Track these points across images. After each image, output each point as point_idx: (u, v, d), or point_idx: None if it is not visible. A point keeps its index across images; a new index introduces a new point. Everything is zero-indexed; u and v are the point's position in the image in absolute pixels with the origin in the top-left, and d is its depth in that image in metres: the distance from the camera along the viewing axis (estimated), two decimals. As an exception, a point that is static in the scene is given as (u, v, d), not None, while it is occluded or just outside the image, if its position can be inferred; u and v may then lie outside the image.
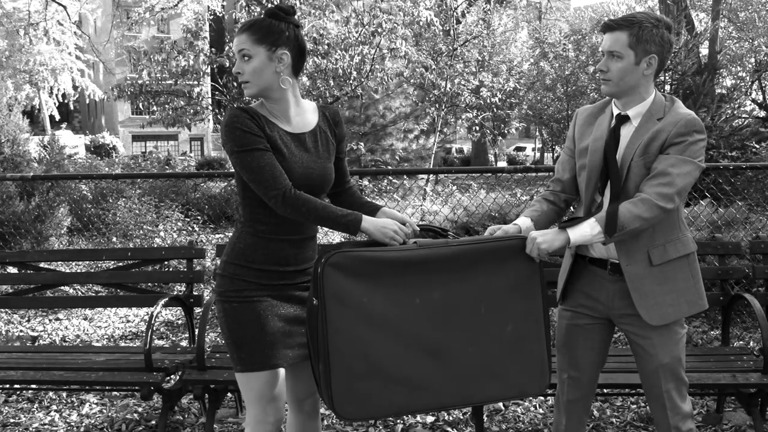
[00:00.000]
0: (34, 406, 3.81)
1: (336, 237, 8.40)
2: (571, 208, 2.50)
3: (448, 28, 14.71)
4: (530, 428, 3.43)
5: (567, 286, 2.35)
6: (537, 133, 31.88)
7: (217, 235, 9.62)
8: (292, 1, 8.59)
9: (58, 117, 27.09)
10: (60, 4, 15.53)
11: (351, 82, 8.99)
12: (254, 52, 2.00)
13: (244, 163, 1.98)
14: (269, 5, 8.58)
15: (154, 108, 9.70)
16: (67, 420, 3.62)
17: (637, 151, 2.09)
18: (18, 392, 3.97)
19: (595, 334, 2.30)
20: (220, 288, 2.10)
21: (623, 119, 2.16)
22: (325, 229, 9.23)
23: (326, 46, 8.52)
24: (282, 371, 2.11)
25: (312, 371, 2.03)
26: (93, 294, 5.97)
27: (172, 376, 3.61)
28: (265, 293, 2.08)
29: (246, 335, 2.05)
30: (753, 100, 17.05)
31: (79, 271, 6.18)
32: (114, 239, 7.52)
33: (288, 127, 2.09)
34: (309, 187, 2.08)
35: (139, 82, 9.12)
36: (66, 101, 26.32)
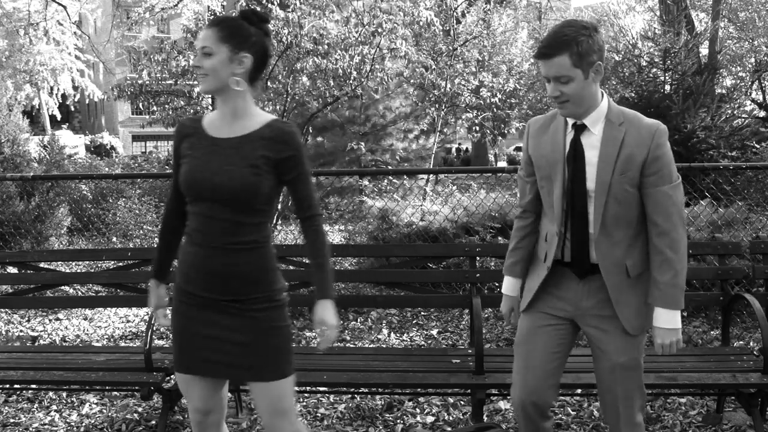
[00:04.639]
0: (34, 406, 3.81)
1: (336, 237, 8.40)
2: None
3: (448, 28, 14.71)
4: (530, 428, 3.43)
5: (536, 295, 2.33)
6: (537, 133, 31.86)
7: (217, 235, 9.59)
8: (292, 0, 8.59)
9: (58, 117, 27.08)
10: (60, 4, 15.54)
11: (351, 82, 8.98)
12: (216, 49, 1.99)
13: None
14: (269, 5, 8.58)
15: (154, 108, 9.70)
16: (67, 420, 3.62)
17: (616, 168, 2.10)
18: (18, 392, 3.96)
19: (556, 337, 2.27)
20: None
21: (581, 128, 2.15)
22: (326, 228, 9.23)
23: (326, 46, 8.51)
24: (196, 378, 2.14)
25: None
26: (93, 294, 5.97)
27: (172, 376, 3.61)
28: (189, 304, 2.13)
29: (173, 338, 2.17)
30: (753, 100, 17.02)
31: (79, 271, 6.18)
32: (114, 239, 7.52)
33: (216, 132, 2.06)
34: (194, 194, 2.05)
35: (139, 82, 9.12)
36: (66, 101, 26.32)
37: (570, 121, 2.18)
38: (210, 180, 1.99)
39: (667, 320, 2.12)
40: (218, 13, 14.67)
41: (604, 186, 2.11)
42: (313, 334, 5.12)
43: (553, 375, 2.27)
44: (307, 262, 4.21)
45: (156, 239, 7.28)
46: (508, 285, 2.44)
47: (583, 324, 2.26)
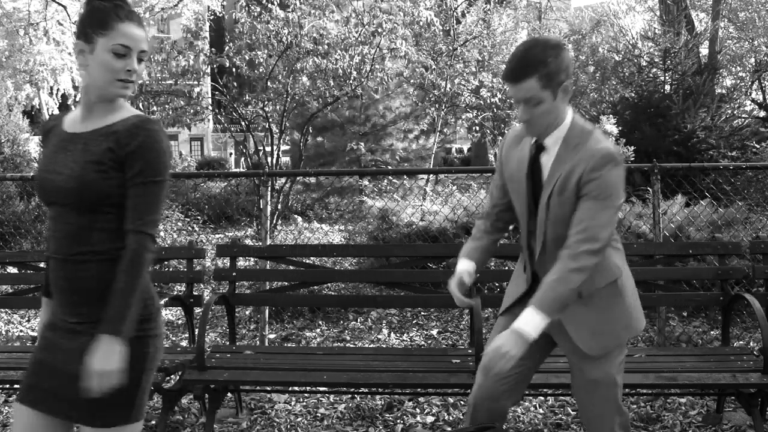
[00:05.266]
0: (34, 406, 3.81)
1: (336, 237, 8.40)
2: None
3: (448, 28, 14.70)
4: (530, 428, 3.43)
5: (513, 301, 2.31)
6: (537, 133, 31.89)
7: (217, 235, 9.61)
8: (292, 1, 8.59)
9: (58, 117, 27.09)
10: (60, 4, 15.54)
11: (351, 82, 8.98)
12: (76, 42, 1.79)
13: None
14: (269, 5, 8.58)
15: (154, 108, 9.69)
16: (67, 420, 3.62)
17: (555, 188, 2.06)
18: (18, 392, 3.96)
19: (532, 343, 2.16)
20: None
21: (541, 148, 2.12)
22: (326, 228, 9.26)
23: (326, 46, 8.51)
24: (27, 410, 1.78)
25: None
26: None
27: (172, 376, 3.61)
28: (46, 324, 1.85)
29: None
30: (753, 100, 17.02)
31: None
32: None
33: (71, 127, 1.82)
34: (42, 197, 1.81)
35: (139, 82, 9.11)
36: (66, 101, 26.31)
37: (533, 140, 2.15)
38: (52, 180, 1.74)
39: (526, 321, 1.96)
40: (218, 13, 14.67)
41: (544, 206, 2.10)
42: (314, 334, 5.12)
43: (513, 381, 2.19)
44: (306, 261, 4.22)
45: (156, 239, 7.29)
46: (463, 263, 2.32)
47: (557, 338, 2.22)
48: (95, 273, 1.73)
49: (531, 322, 1.95)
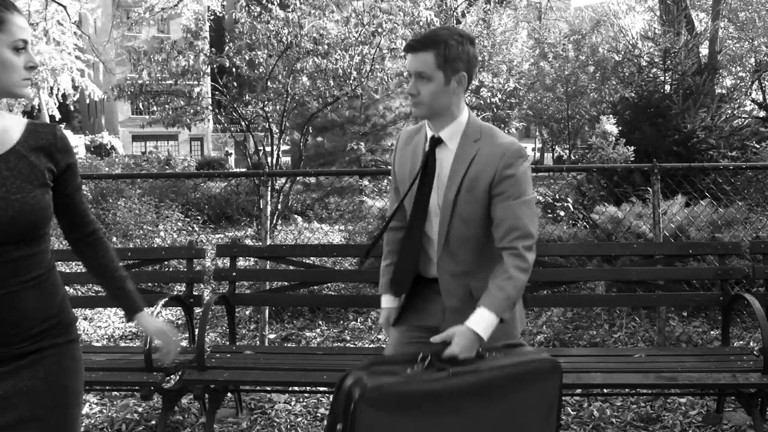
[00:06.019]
0: (34, 406, 3.81)
1: (336, 237, 8.40)
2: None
3: (448, 28, 14.72)
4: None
5: (403, 308, 2.22)
6: (537, 133, 31.90)
7: (217, 235, 9.62)
8: (292, 1, 8.60)
9: (58, 117, 27.07)
10: (60, 4, 15.54)
11: (351, 82, 8.98)
12: None
13: None
14: (269, 5, 8.58)
15: (154, 108, 9.69)
16: (67, 420, 3.62)
17: (463, 185, 2.01)
18: None
19: (422, 348, 2.12)
20: None
21: (437, 141, 2.07)
22: (326, 228, 9.27)
23: (326, 46, 8.51)
24: None
25: None
26: (93, 294, 5.97)
27: (172, 376, 3.61)
28: None
29: None
30: (753, 100, 17.03)
31: (79, 271, 6.18)
32: (114, 239, 7.52)
33: None
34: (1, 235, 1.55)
35: (139, 82, 9.10)
36: (66, 101, 26.31)
37: (429, 134, 2.10)
38: (12, 217, 1.53)
39: (477, 322, 1.90)
40: (218, 13, 14.67)
41: (449, 204, 2.03)
42: (314, 334, 5.12)
43: None
44: (307, 261, 4.22)
45: (156, 239, 7.29)
46: (386, 300, 2.27)
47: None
48: (35, 295, 1.62)
49: (483, 321, 1.90)
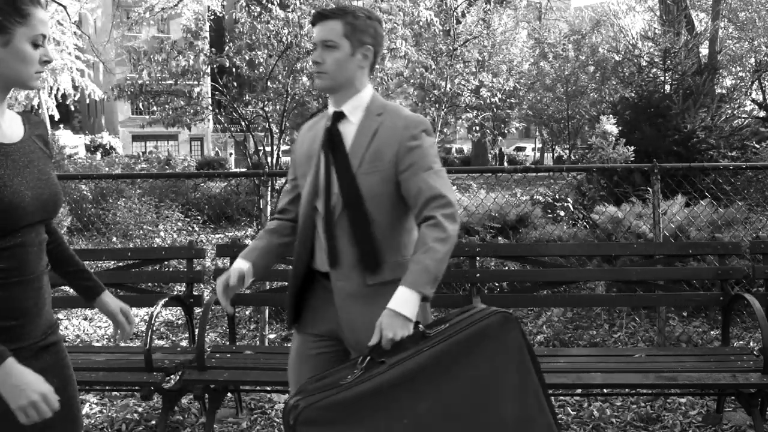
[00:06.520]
0: (34, 406, 3.81)
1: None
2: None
3: (448, 28, 14.71)
4: (530, 428, 3.43)
5: (297, 308, 2.09)
6: (537, 133, 31.92)
7: (217, 235, 9.62)
8: (292, 1, 8.59)
9: (57, 117, 27.07)
10: (60, 4, 15.55)
11: (351, 82, 8.98)
12: None
13: None
14: (269, 5, 8.58)
15: (154, 108, 9.68)
16: (67, 420, 3.62)
17: (364, 161, 1.94)
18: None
19: (326, 362, 2.02)
20: None
21: (339, 116, 2.02)
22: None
23: (326, 46, 8.52)
24: None
25: None
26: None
27: (172, 376, 3.61)
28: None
29: None
30: (753, 100, 17.04)
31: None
32: (114, 239, 7.52)
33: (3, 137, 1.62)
34: (43, 214, 1.64)
35: (139, 82, 9.09)
36: (66, 101, 26.32)
37: (331, 111, 2.04)
38: (54, 194, 1.67)
39: (399, 302, 1.76)
40: (218, 13, 14.67)
41: (353, 177, 1.94)
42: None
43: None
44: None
45: (156, 239, 7.29)
46: (236, 263, 2.09)
47: (342, 336, 2.01)
48: (47, 284, 1.66)
49: (401, 299, 1.76)
